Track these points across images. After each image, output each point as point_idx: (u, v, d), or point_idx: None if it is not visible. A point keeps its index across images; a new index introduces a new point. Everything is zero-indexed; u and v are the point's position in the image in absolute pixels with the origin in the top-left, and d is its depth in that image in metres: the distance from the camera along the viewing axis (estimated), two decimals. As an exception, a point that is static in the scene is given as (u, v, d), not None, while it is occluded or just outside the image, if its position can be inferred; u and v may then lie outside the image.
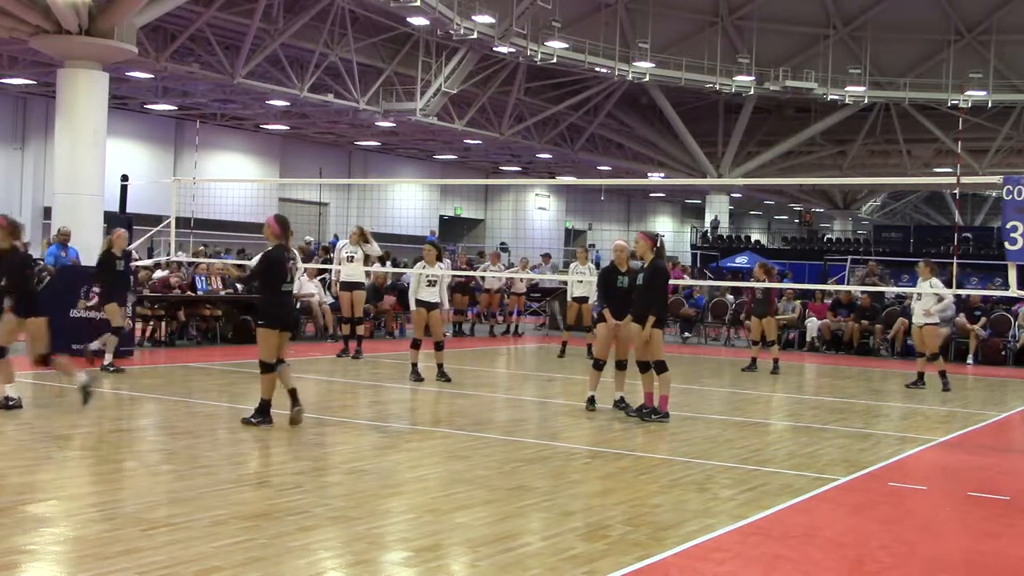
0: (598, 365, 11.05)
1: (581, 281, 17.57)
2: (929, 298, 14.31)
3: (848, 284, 24.68)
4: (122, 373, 12.78)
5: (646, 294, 10.46)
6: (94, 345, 13.10)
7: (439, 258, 13.54)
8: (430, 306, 13.13)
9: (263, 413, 9.20)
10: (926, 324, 14.51)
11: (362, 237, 15.69)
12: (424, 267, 13.20)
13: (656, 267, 10.46)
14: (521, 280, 22.42)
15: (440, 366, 13.21)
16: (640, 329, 10.44)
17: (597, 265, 35.31)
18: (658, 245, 10.58)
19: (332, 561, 5.36)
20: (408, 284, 14.89)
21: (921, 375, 14.71)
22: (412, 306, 13.23)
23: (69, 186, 22.32)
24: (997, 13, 42.50)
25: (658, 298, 10.50)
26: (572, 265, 19.01)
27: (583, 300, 17.74)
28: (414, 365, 13.15)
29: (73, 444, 8.17)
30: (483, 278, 22.29)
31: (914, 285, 15.86)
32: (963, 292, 18.51)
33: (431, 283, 13.14)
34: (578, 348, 17.78)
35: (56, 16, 21.36)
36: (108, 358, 12.94)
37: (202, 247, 29.75)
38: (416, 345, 13.24)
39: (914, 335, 15.10)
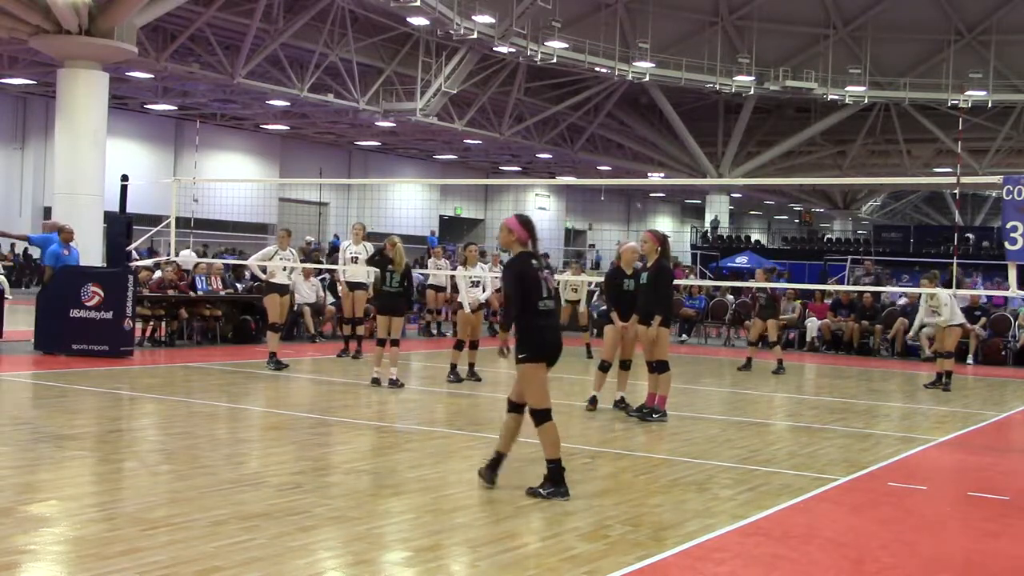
0: (604, 367, 11.04)
1: (575, 290, 18.39)
2: (950, 303, 14.58)
3: (847, 285, 24.66)
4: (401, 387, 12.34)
5: (651, 294, 10.47)
6: (394, 378, 12.45)
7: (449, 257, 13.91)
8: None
9: (557, 481, 6.92)
10: (950, 325, 14.67)
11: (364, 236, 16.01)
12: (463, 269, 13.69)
13: (661, 267, 10.49)
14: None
15: (472, 365, 13.56)
16: (647, 329, 10.47)
17: (596, 265, 35.32)
18: (664, 246, 10.61)
19: (332, 561, 5.35)
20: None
21: (940, 375, 14.81)
22: (466, 308, 13.43)
23: (69, 186, 22.30)
24: (997, 13, 42.49)
25: (664, 298, 10.53)
26: (564, 273, 19.78)
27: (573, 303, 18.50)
28: (454, 366, 13.36)
29: (73, 444, 8.17)
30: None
31: (914, 284, 16.06)
32: (964, 292, 18.53)
33: (475, 283, 13.48)
34: (572, 348, 17.88)
35: (56, 16, 21.36)
36: (394, 372, 12.41)
37: (202, 246, 29.83)
38: (460, 347, 13.50)
39: (937, 335, 15.25)
